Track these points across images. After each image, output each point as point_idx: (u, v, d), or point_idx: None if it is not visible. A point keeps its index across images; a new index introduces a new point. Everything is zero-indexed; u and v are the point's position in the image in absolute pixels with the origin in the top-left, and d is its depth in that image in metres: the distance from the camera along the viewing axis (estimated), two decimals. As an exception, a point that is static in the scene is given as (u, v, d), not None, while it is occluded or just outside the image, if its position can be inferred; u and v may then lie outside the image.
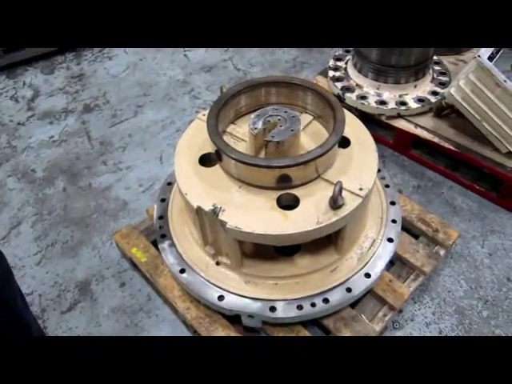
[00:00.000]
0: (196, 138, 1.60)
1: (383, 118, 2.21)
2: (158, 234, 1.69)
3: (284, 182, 1.39)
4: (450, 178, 2.18)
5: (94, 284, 1.87)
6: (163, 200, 1.80)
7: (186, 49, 3.14)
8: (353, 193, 1.39)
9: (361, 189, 1.40)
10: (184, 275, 1.56)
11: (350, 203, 1.37)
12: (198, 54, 3.08)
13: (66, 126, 2.59)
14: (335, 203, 1.33)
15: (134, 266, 1.84)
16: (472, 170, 2.12)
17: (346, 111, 1.51)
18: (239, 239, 1.41)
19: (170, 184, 1.86)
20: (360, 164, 1.48)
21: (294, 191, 1.41)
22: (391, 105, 2.18)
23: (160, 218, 1.75)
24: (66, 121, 2.62)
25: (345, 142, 1.53)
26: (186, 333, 1.69)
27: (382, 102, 2.19)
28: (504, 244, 1.94)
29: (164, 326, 1.72)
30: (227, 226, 1.33)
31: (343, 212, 1.35)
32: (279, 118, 1.47)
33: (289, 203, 1.41)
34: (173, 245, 1.64)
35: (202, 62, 3.01)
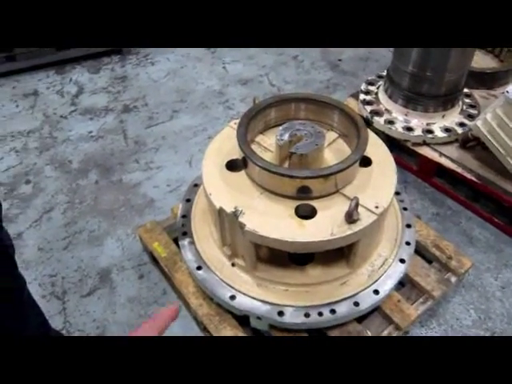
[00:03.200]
0: (225, 143, 1.69)
1: (409, 144, 2.26)
2: (180, 231, 1.78)
3: (304, 192, 1.46)
4: (469, 208, 2.20)
5: (114, 273, 1.97)
6: (188, 200, 1.89)
7: (226, 61, 3.27)
8: (368, 210, 1.44)
9: (377, 207, 1.45)
10: (200, 272, 1.64)
11: (365, 219, 1.42)
12: (236, 68, 3.21)
13: (105, 123, 2.73)
14: (350, 217, 1.39)
15: (154, 260, 1.93)
16: (492, 203, 2.14)
17: (370, 132, 1.57)
18: (256, 242, 1.48)
19: (196, 185, 1.95)
20: (379, 183, 1.53)
21: (313, 202, 1.47)
22: (418, 132, 2.23)
23: (183, 216, 1.84)
24: (106, 118, 2.77)
25: (366, 162, 1.58)
26: (195, 328, 1.76)
27: (409, 129, 2.24)
28: (518, 279, 1.94)
29: (176, 321, 1.79)
30: (246, 228, 1.41)
31: (357, 227, 1.40)
32: (305, 132, 1.54)
33: (306, 213, 1.47)
34: (192, 243, 1.72)
35: (240, 75, 3.14)
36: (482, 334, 1.76)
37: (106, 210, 2.23)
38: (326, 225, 1.41)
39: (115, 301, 1.87)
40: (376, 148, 1.65)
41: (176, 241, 1.90)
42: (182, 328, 1.76)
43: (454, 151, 2.21)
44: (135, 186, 2.35)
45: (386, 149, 1.67)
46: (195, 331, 1.75)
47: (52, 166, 2.48)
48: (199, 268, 1.65)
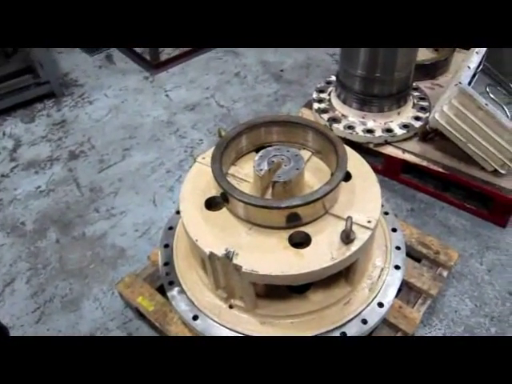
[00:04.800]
0: (198, 182, 1.60)
1: (371, 146, 2.27)
2: (166, 280, 1.67)
3: (294, 220, 1.41)
4: (440, 198, 2.25)
5: (99, 338, 1.81)
6: (167, 246, 1.78)
7: (167, 88, 3.16)
8: (362, 226, 1.41)
9: (369, 221, 1.42)
10: (197, 322, 1.54)
11: (361, 236, 1.39)
12: (180, 94, 3.11)
13: (53, 175, 2.54)
14: (348, 238, 1.35)
15: (140, 314, 1.80)
16: (461, 190, 2.20)
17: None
18: (255, 282, 1.40)
19: (171, 228, 1.84)
20: (364, 196, 1.51)
21: (304, 229, 1.42)
22: (378, 133, 2.25)
23: (165, 264, 1.72)
24: (52, 169, 2.57)
25: (347, 176, 1.56)
26: (201, 380, 1.65)
27: (369, 131, 2.26)
28: (501, 259, 2.00)
29: (177, 375, 1.67)
30: (243, 269, 1.33)
31: (355, 246, 1.37)
32: (283, 157, 1.49)
33: (300, 241, 1.42)
34: (182, 291, 1.62)
35: (184, 101, 3.04)
36: (481, 321, 1.79)
37: (74, 270, 2.06)
38: (324, 250, 1.36)
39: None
40: (351, 159, 1.62)
41: (160, 290, 1.78)
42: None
43: (416, 146, 2.25)
44: (101, 238, 2.20)
45: (361, 159, 1.66)
46: None
47: (3, 232, 2.27)
48: (195, 318, 1.55)
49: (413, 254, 1.89)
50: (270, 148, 1.54)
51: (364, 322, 1.51)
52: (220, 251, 1.37)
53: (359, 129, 2.28)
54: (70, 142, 2.75)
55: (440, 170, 2.14)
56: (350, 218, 1.34)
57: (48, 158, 2.64)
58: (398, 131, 2.24)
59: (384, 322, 1.65)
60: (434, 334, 1.75)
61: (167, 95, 3.11)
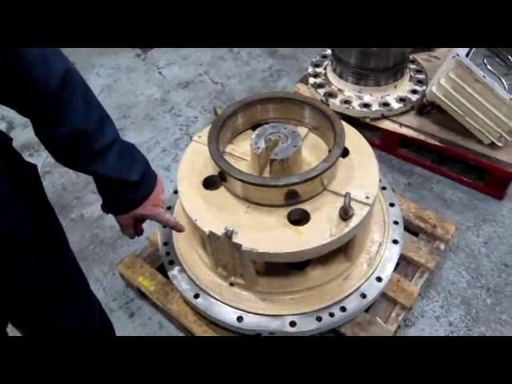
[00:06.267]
0: (195, 161, 1.60)
1: (368, 121, 2.26)
2: (166, 260, 1.68)
3: (292, 198, 1.41)
4: (437, 172, 2.25)
5: (101, 318, 1.83)
6: (165, 226, 1.78)
7: (160, 65, 3.11)
8: (360, 202, 1.41)
9: (367, 197, 1.43)
10: (199, 300, 1.55)
11: (359, 212, 1.39)
12: (173, 71, 3.06)
13: (48, 157, 2.52)
14: (346, 214, 1.36)
15: (142, 294, 1.82)
16: (458, 163, 2.20)
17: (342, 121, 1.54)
18: (254, 260, 1.41)
19: (169, 208, 1.84)
20: (362, 172, 1.51)
21: (303, 206, 1.43)
22: (374, 107, 2.23)
23: (165, 244, 1.73)
24: (47, 152, 2.54)
25: (344, 152, 1.55)
26: (203, 356, 1.68)
27: (366, 105, 2.24)
28: (497, 231, 2.02)
29: (180, 352, 1.70)
30: (243, 248, 1.34)
31: (354, 222, 1.37)
32: (280, 135, 1.48)
33: (299, 218, 1.42)
34: (183, 270, 1.63)
35: (178, 78, 2.99)
36: (478, 292, 1.82)
37: (74, 252, 2.06)
38: (323, 227, 1.37)
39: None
40: (349, 135, 1.61)
41: (160, 270, 1.80)
42: (190, 359, 1.68)
43: (413, 119, 2.23)
44: (99, 219, 2.20)
45: (358, 135, 1.65)
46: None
47: (0, 216, 2.26)
48: (197, 296, 1.56)
49: (410, 228, 1.90)
50: (266, 125, 1.53)
51: (363, 296, 1.54)
52: (219, 230, 1.37)
53: (356, 103, 2.25)
54: (64, 123, 2.72)
55: (437, 143, 2.13)
56: (348, 194, 1.34)
57: (42, 140, 2.61)
58: (395, 105, 2.23)
59: (383, 295, 1.67)
60: (431, 306, 1.78)
61: (160, 72, 3.06)
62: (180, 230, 1.41)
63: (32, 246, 0.97)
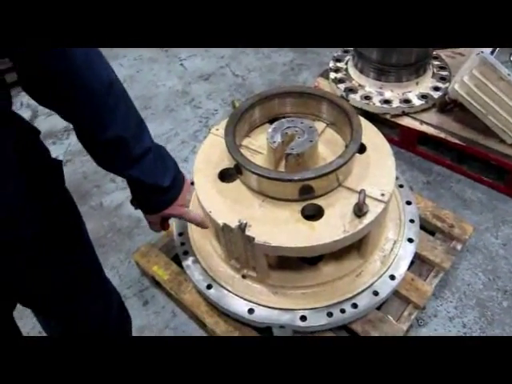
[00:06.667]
0: (212, 153, 1.61)
1: (388, 117, 2.23)
2: (181, 250, 1.70)
3: (307, 193, 1.41)
4: (457, 171, 2.21)
5: (117, 304, 1.87)
6: (181, 216, 1.80)
7: (182, 57, 3.13)
8: (375, 199, 1.41)
9: (383, 194, 1.42)
10: (211, 291, 1.57)
11: (374, 209, 1.39)
12: (195, 63, 3.08)
13: (70, 146, 2.58)
14: (360, 211, 1.35)
15: (156, 283, 1.85)
16: (478, 162, 2.16)
17: (360, 117, 1.53)
18: (267, 253, 1.42)
19: (185, 199, 1.86)
20: (378, 169, 1.50)
21: (317, 201, 1.42)
22: (395, 103, 2.20)
23: (180, 234, 1.76)
24: (69, 140, 2.61)
25: (361, 148, 1.54)
26: (215, 346, 1.70)
27: (386, 101, 2.21)
28: (516, 233, 1.98)
29: (192, 341, 1.73)
30: (255, 241, 1.35)
31: (368, 219, 1.37)
32: (296, 129, 1.48)
33: (313, 213, 1.42)
34: (197, 261, 1.65)
35: (200, 70, 3.01)
36: (494, 294, 1.79)
37: (92, 240, 2.10)
38: (337, 222, 1.37)
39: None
40: (366, 132, 1.60)
41: (175, 260, 1.82)
42: (201, 348, 1.70)
43: (434, 117, 2.20)
44: (117, 208, 2.24)
45: (376, 131, 1.64)
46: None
47: (23, 202, 2.32)
48: (209, 287, 1.58)
49: (427, 227, 1.88)
50: (283, 120, 1.53)
51: (375, 293, 1.53)
52: (233, 223, 1.38)
53: (376, 99, 2.23)
54: (86, 113, 2.76)
55: (457, 141, 2.10)
56: (363, 191, 1.33)
57: (65, 129, 2.67)
58: (416, 102, 2.19)
59: (395, 294, 1.66)
60: (445, 306, 1.76)
61: (182, 64, 3.08)
62: (205, 226, 1.45)
63: (48, 241, 0.99)
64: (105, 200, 2.28)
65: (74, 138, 2.62)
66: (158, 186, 1.10)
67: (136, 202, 1.22)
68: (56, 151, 2.55)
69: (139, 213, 2.17)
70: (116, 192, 2.30)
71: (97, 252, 1.99)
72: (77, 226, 1.19)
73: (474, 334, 1.68)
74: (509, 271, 1.85)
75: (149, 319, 1.82)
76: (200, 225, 1.42)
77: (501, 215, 2.04)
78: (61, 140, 2.61)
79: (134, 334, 1.77)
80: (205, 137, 1.80)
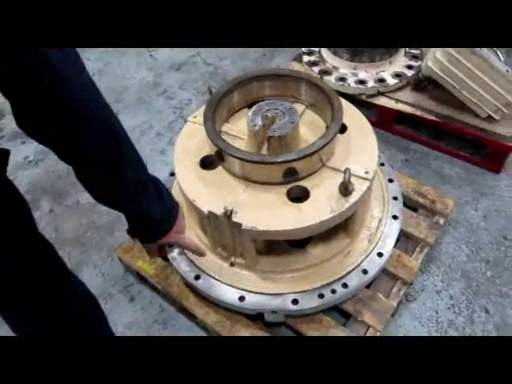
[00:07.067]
0: (191, 142, 1.57)
1: (364, 97, 2.23)
2: (165, 243, 1.66)
3: (291, 175, 1.39)
4: (434, 148, 2.24)
5: (102, 303, 1.80)
6: (163, 208, 1.76)
7: (151, 49, 3.06)
8: (360, 177, 1.40)
9: (367, 172, 1.41)
10: (200, 281, 1.54)
11: (359, 188, 1.38)
12: (164, 54, 3.01)
13: (40, 145, 2.48)
14: (346, 190, 1.34)
15: (141, 278, 1.81)
16: (455, 138, 2.18)
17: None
18: (255, 238, 1.40)
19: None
20: (360, 147, 1.49)
21: (302, 183, 1.41)
22: (370, 83, 2.21)
23: (163, 226, 1.71)
24: (39, 139, 2.51)
25: (342, 128, 1.53)
26: (206, 338, 1.68)
27: (361, 82, 2.22)
28: (495, 205, 2.02)
29: (182, 334, 1.70)
30: (243, 227, 1.32)
31: (354, 198, 1.36)
32: (277, 111, 1.46)
33: (299, 195, 1.41)
34: (182, 253, 1.61)
35: (170, 60, 2.95)
36: (478, 265, 1.82)
37: (71, 239, 2.05)
38: (323, 203, 1.36)
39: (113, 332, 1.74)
40: (346, 111, 1.59)
41: (160, 253, 1.78)
42: (192, 341, 1.67)
43: (409, 95, 2.21)
44: (95, 205, 2.13)
45: (355, 110, 1.63)
46: (207, 340, 1.67)
47: (-5, 205, 2.23)
48: (197, 277, 1.55)
49: (409, 204, 1.89)
50: (262, 102, 1.50)
51: (364, 272, 1.53)
52: (218, 210, 1.36)
53: (351, 80, 2.23)
54: (55, 110, 2.67)
55: (434, 118, 2.12)
56: (348, 169, 1.32)
57: (33, 127, 2.57)
58: (391, 81, 2.20)
59: (383, 271, 1.67)
60: (432, 280, 1.78)
61: (151, 55, 3.01)
62: (201, 254, 1.49)
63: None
64: (81, 198, 2.21)
65: (44, 136, 2.52)
66: (154, 219, 1.13)
67: (133, 232, 1.25)
68: (26, 151, 2.45)
69: (119, 208, 2.14)
70: (92, 189, 2.23)
71: (77, 252, 1.93)
72: (25, 223, 1.08)
73: (461, 306, 1.71)
74: (490, 242, 1.89)
75: (136, 315, 1.78)
76: (196, 252, 1.46)
77: (479, 188, 2.07)
78: (30, 140, 2.51)
79: (122, 330, 1.73)
80: (180, 128, 1.74)
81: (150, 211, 1.09)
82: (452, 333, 1.64)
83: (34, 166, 2.37)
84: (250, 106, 1.62)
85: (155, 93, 2.73)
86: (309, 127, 1.58)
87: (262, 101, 1.56)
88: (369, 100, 2.23)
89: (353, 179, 1.37)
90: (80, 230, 2.08)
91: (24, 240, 1.06)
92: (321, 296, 1.48)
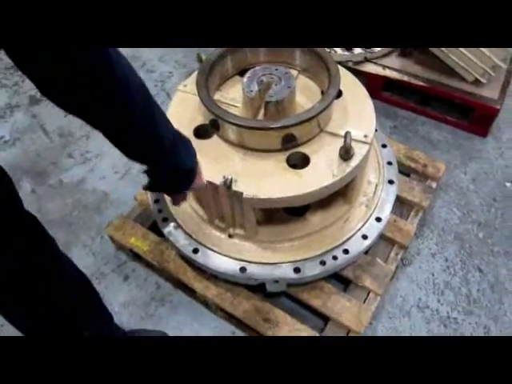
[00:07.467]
0: (183, 111, 1.51)
1: (351, 65, 2.20)
2: (159, 218, 1.61)
3: (289, 141, 1.36)
4: (421, 113, 2.24)
5: (95, 283, 1.75)
6: (154, 183, 1.70)
7: (126, 21, 2.93)
8: (359, 141, 1.38)
9: (365, 136, 1.40)
10: (199, 255, 1.51)
11: (359, 151, 1.36)
12: (140, 25, 2.88)
13: (16, 123, 2.36)
14: (347, 154, 1.32)
15: (135, 255, 1.76)
16: (442, 103, 2.19)
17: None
18: (256, 207, 1.37)
19: (156, 165, 1.76)
20: (357, 112, 1.47)
21: (301, 149, 1.38)
22: (357, 50, 2.18)
23: (155, 201, 1.66)
24: (14, 117, 2.39)
25: (338, 93, 1.50)
26: (205, 312, 1.65)
27: (348, 49, 2.18)
28: (483, 168, 2.04)
29: (181, 310, 1.67)
30: (244, 195, 1.29)
31: (355, 162, 1.34)
32: (272, 76, 1.41)
33: (298, 162, 1.38)
34: (178, 226, 1.57)
35: (147, 32, 2.83)
36: (470, 227, 1.85)
37: (57, 220, 1.97)
38: (324, 168, 1.33)
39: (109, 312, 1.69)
40: (341, 77, 1.56)
41: (153, 229, 1.74)
42: (191, 316, 1.65)
43: (396, 61, 2.20)
44: (80, 184, 2.09)
45: (351, 75, 1.60)
46: (206, 315, 1.64)
47: (-29, 188, 2.12)
48: (196, 251, 1.52)
49: (402, 169, 1.89)
50: (257, 68, 1.46)
51: (364, 237, 1.53)
52: (217, 180, 1.32)
53: (338, 48, 2.19)
54: (29, 87, 2.53)
55: (421, 83, 2.11)
56: (348, 133, 1.30)
57: (7, 106, 2.44)
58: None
59: (380, 237, 1.67)
60: (426, 244, 1.80)
61: (127, 28, 2.88)
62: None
63: None
64: (64, 177, 2.12)
65: (18, 114, 2.41)
66: (189, 168, 1.14)
67: (159, 186, 1.20)
68: (2, 131, 2.33)
69: (104, 186, 2.08)
70: (75, 168, 2.14)
71: (64, 232, 1.86)
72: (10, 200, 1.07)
73: (456, 267, 1.74)
74: (480, 204, 1.92)
75: (132, 294, 1.73)
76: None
77: (467, 152, 2.10)
78: (4, 118, 2.39)
79: (119, 309, 1.69)
80: (163, 101, 1.70)
81: (185, 161, 1.12)
82: (448, 293, 1.67)
83: (11, 146, 2.26)
84: (241, 74, 1.57)
85: (135, 66, 2.58)
86: (303, 92, 1.54)
87: (254, 67, 1.51)
88: (356, 67, 2.20)
89: (352, 143, 1.35)
90: (65, 210, 2.01)
91: (10, 219, 1.03)
92: (322, 263, 1.47)
